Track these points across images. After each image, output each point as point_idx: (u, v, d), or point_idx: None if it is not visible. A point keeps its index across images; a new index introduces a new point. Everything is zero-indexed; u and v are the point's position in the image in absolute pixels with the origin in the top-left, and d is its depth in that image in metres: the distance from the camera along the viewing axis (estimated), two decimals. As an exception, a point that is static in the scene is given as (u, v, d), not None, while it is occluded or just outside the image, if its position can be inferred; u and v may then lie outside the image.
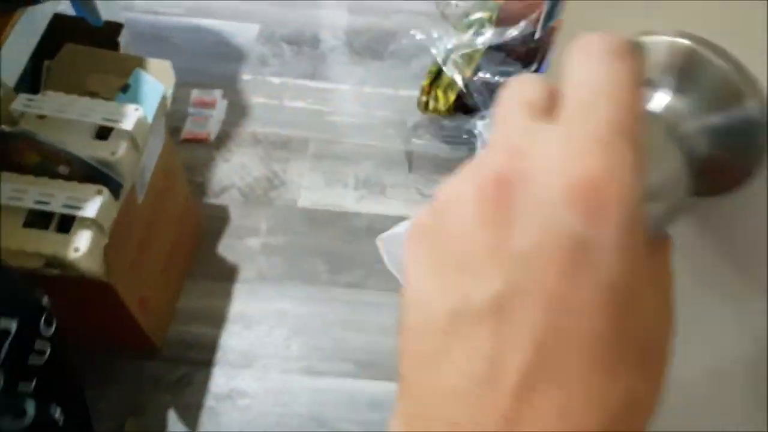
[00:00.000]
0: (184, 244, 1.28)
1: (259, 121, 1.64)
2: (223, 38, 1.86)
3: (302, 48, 1.84)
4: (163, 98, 1.10)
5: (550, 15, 1.06)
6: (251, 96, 1.71)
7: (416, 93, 1.64)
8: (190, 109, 1.66)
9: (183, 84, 1.72)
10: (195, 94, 1.69)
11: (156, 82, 1.12)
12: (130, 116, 0.99)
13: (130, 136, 0.97)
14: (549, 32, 1.17)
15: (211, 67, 1.77)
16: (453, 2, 1.87)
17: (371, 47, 1.85)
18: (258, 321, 1.27)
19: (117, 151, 0.95)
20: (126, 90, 1.09)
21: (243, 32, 1.87)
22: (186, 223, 1.29)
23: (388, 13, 1.95)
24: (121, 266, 0.95)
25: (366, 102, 1.71)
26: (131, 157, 0.96)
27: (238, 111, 1.67)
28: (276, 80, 1.75)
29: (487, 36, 1.39)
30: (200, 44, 1.84)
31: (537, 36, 1.17)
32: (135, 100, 1.07)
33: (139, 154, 0.99)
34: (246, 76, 1.76)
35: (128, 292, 0.98)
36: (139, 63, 1.16)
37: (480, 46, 1.39)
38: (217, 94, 1.69)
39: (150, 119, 1.06)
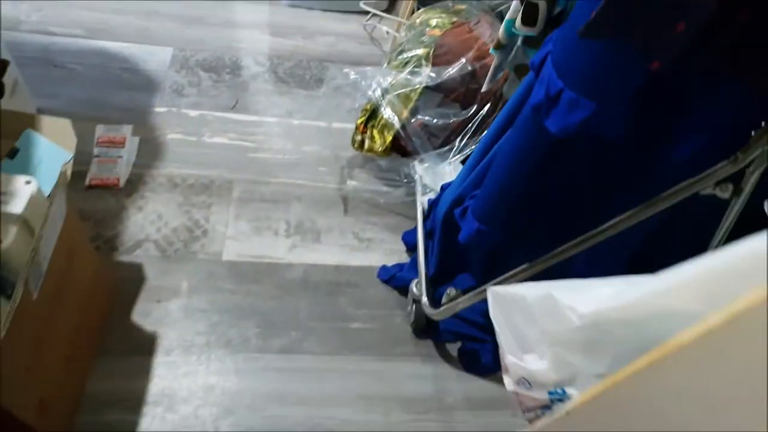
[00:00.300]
0: (92, 319, 1.12)
1: (175, 161, 1.49)
2: (130, 64, 1.68)
3: (221, 75, 1.69)
4: (64, 167, 0.94)
5: (499, 67, 0.99)
6: (166, 132, 1.54)
7: (349, 125, 1.54)
8: (96, 150, 1.47)
9: (86, 119, 1.54)
10: (101, 131, 1.51)
11: (53, 147, 0.96)
12: (21, 193, 0.83)
13: (21, 220, 0.81)
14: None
15: (118, 98, 1.59)
16: (385, 29, 1.78)
17: (297, 74, 1.73)
18: (182, 400, 1.13)
19: (3, 239, 0.79)
20: (14, 155, 0.92)
21: (154, 57, 1.70)
22: (95, 297, 1.13)
23: (314, 35, 1.84)
24: (12, 379, 0.79)
25: (294, 136, 1.59)
26: (23, 245, 0.81)
27: (151, 150, 1.50)
28: (193, 113, 1.59)
29: (424, 75, 1.31)
30: (104, 71, 1.65)
31: (484, 89, 1.10)
32: (26, 169, 0.90)
33: (34, 241, 0.83)
34: (159, 109, 1.59)
35: (23, 403, 0.83)
36: (31, 122, 0.99)
37: (417, 86, 1.31)
38: (127, 130, 1.52)
39: (47, 192, 0.90)
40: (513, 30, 0.88)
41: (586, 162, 0.76)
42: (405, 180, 1.38)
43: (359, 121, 1.42)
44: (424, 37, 1.38)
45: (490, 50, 0.97)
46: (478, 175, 0.97)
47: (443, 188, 1.22)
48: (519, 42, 0.90)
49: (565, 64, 0.69)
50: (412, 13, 1.66)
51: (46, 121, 1.03)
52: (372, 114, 1.40)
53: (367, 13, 1.85)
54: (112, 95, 1.60)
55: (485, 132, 0.98)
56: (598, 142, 0.71)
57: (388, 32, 1.74)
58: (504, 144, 0.87)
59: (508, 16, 0.90)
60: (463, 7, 1.48)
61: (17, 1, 1.73)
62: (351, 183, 1.47)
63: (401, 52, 1.39)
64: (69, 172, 0.98)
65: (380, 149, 1.38)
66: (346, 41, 1.83)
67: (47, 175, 0.95)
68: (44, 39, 1.69)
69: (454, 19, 1.42)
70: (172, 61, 1.70)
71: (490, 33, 1.39)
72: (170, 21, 1.79)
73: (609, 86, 0.67)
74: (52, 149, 0.99)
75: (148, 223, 1.37)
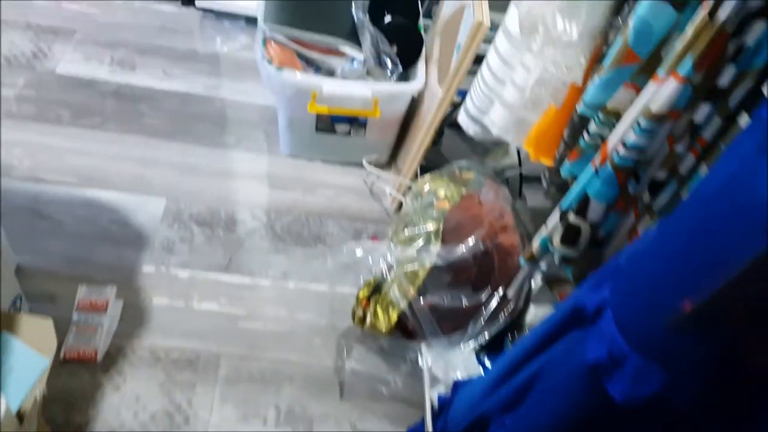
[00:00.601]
0: None
1: (160, 330, 1.38)
2: (121, 216, 1.60)
3: (216, 231, 1.61)
4: (42, 375, 0.83)
5: (529, 277, 0.91)
6: (152, 295, 1.44)
7: (347, 291, 1.46)
8: (75, 315, 1.36)
9: (68, 277, 1.44)
10: (83, 293, 1.40)
11: (30, 353, 0.86)
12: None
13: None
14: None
15: (104, 254, 1.50)
16: (388, 190, 1.74)
17: (295, 230, 1.66)
18: None
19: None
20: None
21: (146, 208, 1.63)
22: None
23: (314, 187, 1.79)
24: None
25: (289, 301, 1.49)
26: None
27: (134, 316, 1.39)
28: (183, 273, 1.50)
29: (433, 253, 1.24)
30: (93, 224, 1.57)
31: (510, 296, 1.02)
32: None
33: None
34: (147, 268, 1.50)
35: None
36: (8, 322, 0.89)
37: (426, 265, 1.23)
38: (110, 292, 1.41)
39: (17, 406, 0.78)
40: (549, 247, 0.82)
41: (649, 427, 0.66)
42: (410, 365, 1.27)
43: (362, 295, 1.33)
44: (432, 211, 1.33)
45: (520, 261, 0.90)
46: (509, 396, 0.86)
47: (456, 385, 1.11)
48: (555, 259, 0.83)
49: (631, 325, 0.61)
50: (416, 175, 1.63)
51: (25, 321, 0.93)
52: (376, 288, 1.31)
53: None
54: (98, 251, 1.51)
55: (516, 343, 0.88)
56: (666, 410, 0.62)
57: (390, 194, 1.70)
58: (547, 384, 0.77)
59: (544, 233, 0.83)
60: (470, 175, 1.44)
61: (11, 146, 1.68)
62: (349, 364, 1.36)
63: (408, 225, 1.33)
64: (44, 386, 0.87)
65: (384, 329, 1.28)
66: (347, 195, 1.79)
67: (19, 386, 0.84)
68: (34, 187, 1.61)
69: (463, 190, 1.37)
70: (165, 213, 1.63)
71: (500, 207, 1.35)
72: (167, 169, 1.74)
73: (687, 355, 0.58)
74: (28, 355, 0.89)
75: (124, 406, 1.23)
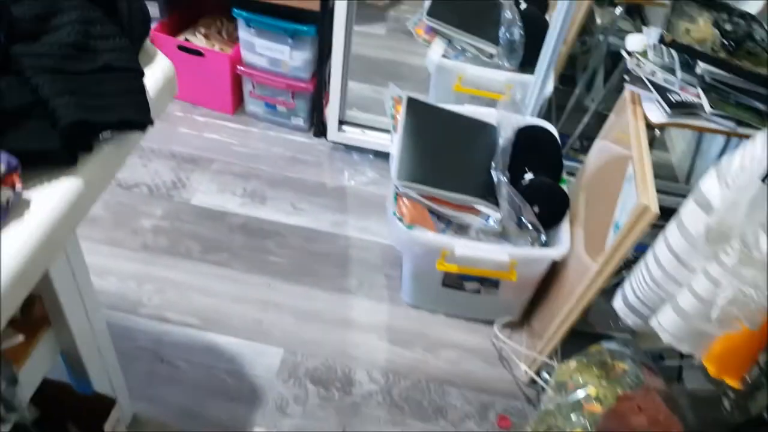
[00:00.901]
0: None
1: None
2: (238, 365, 1.55)
3: (330, 391, 1.51)
4: None
5: None
6: (261, 465, 1.34)
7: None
8: (180, 484, 1.28)
9: (177, 435, 1.38)
10: (191, 455, 1.33)
11: None
12: None
13: None
14: None
15: (217, 410, 1.44)
16: (522, 366, 1.58)
17: (414, 399, 1.52)
18: None
19: None
20: None
21: (263, 359, 1.56)
22: None
23: (437, 347, 1.66)
24: None
25: (406, 491, 1.33)
26: None
27: (240, 492, 1.29)
28: (295, 442, 1.40)
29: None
30: (209, 373, 1.52)
31: None
32: None
33: None
34: (258, 429, 1.41)
35: None
36: None
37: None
38: (219, 459, 1.33)
39: None
40: None
41: None
42: None
43: None
44: (580, 415, 1.14)
45: None
46: None
47: None
48: None
49: None
50: (555, 352, 1.45)
51: None
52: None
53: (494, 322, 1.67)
54: (211, 405, 1.45)
55: None
56: None
57: (526, 371, 1.53)
58: None
59: None
60: (624, 366, 1.25)
61: (143, 281, 1.71)
62: None
63: (550, 428, 1.15)
64: None
65: None
66: (472, 359, 1.64)
67: None
68: (158, 327, 1.61)
69: (618, 390, 1.18)
70: (281, 366, 1.55)
71: (664, 416, 1.14)
72: (286, 314, 1.68)
73: None
74: None
75: None
